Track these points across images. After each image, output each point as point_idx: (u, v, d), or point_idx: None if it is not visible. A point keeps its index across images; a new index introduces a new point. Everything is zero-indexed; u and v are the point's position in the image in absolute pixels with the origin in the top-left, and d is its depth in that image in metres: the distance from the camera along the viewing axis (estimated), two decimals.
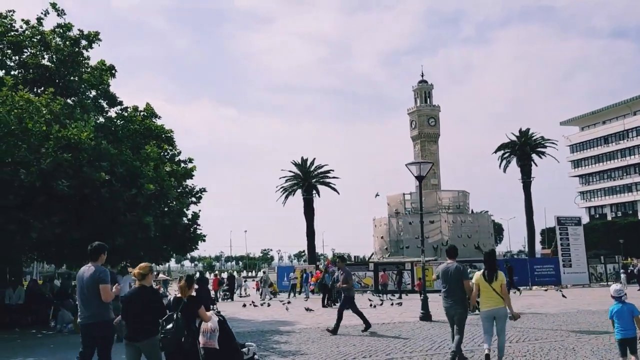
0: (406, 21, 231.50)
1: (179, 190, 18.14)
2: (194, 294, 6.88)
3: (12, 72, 17.12)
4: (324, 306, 23.17)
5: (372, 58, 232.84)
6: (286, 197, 55.37)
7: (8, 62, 17.52)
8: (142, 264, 6.81)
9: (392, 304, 22.55)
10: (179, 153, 19.77)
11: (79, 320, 7.51)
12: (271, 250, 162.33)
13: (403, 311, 19.73)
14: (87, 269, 7.11)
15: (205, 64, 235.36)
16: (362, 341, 12.24)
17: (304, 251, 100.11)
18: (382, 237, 56.37)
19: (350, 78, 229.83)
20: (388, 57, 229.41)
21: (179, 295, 6.82)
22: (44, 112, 14.18)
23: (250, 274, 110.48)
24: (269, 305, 24.72)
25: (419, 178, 15.95)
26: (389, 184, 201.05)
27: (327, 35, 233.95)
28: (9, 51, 17.66)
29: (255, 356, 7.93)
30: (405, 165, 16.06)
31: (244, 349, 7.49)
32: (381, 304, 22.36)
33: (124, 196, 14.45)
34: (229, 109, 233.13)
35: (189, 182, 19.21)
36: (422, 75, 65.04)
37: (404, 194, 57.07)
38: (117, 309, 6.98)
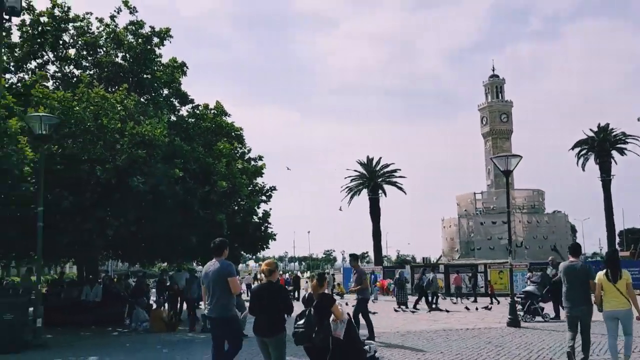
0: (471, 17, 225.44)
1: (249, 188, 17.80)
2: (326, 291, 6.98)
3: (88, 72, 17.31)
4: (430, 309, 21.64)
5: (437, 55, 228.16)
6: (351, 197, 54.59)
7: (84, 63, 17.76)
8: (269, 260, 6.91)
9: (476, 309, 21.08)
10: (249, 150, 19.49)
11: (205, 312, 7.71)
12: (334, 251, 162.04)
13: (484, 316, 18.48)
14: (212, 265, 7.24)
15: (269, 68, 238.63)
16: (450, 348, 11.28)
17: (367, 252, 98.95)
18: (451, 239, 54.57)
19: (414, 77, 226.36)
20: (453, 54, 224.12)
21: (309, 292, 6.95)
22: (119, 108, 14.10)
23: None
24: None
25: (506, 173, 14.77)
26: (457, 184, 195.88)
27: (391, 34, 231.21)
28: (84, 52, 17.92)
29: (376, 354, 7.64)
30: (491, 158, 15.03)
31: (365, 347, 7.18)
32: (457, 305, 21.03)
33: (197, 193, 14.16)
34: (293, 112, 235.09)
35: (258, 180, 18.91)
36: (493, 70, 62.69)
37: (474, 194, 55.04)
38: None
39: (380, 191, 52.64)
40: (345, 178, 54.95)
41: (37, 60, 18.01)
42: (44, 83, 15.80)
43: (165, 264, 24.52)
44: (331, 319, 6.78)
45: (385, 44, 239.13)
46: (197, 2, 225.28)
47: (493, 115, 59.05)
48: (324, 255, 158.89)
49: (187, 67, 18.63)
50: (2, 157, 11.81)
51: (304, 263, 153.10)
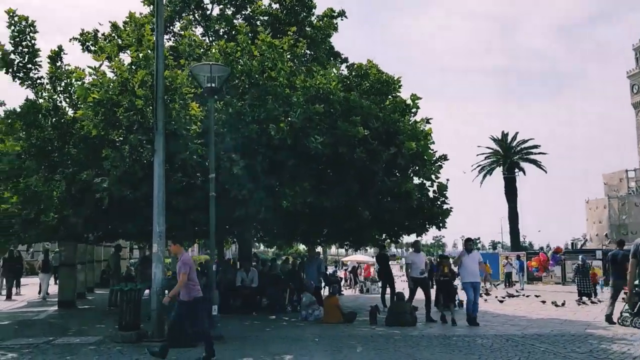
0: None
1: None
2: None
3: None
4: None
5: (544, 29, 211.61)
6: (484, 177, 50.28)
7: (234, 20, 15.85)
8: None
9: None
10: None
11: None
12: (443, 237, 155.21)
13: None
14: None
15: (368, 51, 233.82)
16: None
17: (479, 238, 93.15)
18: (599, 222, 48.51)
19: (520, 53, 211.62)
20: (563, 26, 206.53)
21: None
22: (288, 57, 11.85)
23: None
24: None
25: None
26: (601, 162, 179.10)
27: (493, 11, 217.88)
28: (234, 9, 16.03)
29: None
30: None
31: None
32: None
33: (382, 156, 11.60)
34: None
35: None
36: None
37: (626, 171, 48.47)
38: None
39: (516, 169, 47.88)
40: (478, 155, 50.83)
41: (182, 22, 16.44)
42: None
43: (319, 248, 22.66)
44: None
45: (487, 22, 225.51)
46: None
47: None
48: (432, 241, 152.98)
49: (345, 16, 16.06)
50: (169, 116, 9.98)
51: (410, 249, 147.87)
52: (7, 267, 20.01)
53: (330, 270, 30.41)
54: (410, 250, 15.34)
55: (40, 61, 11.35)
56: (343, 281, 28.21)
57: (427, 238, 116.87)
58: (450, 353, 9.01)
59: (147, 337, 9.94)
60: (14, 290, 19.90)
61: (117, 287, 10.01)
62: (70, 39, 14.49)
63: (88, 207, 10.99)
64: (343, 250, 53.68)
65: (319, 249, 37.16)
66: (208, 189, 10.92)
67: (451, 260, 13.93)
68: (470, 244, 12.60)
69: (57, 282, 18.07)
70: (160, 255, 10.20)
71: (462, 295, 13.79)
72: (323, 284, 17.52)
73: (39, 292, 20.01)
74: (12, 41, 10.94)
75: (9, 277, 19.84)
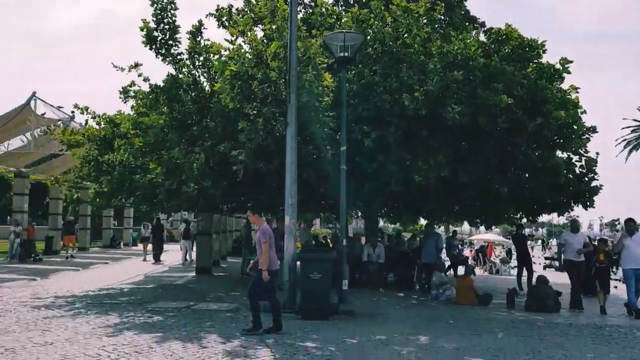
0: None
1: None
2: None
3: None
4: None
5: None
6: (630, 152, 45.57)
7: None
8: None
9: None
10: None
11: None
12: (578, 216, 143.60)
13: None
14: None
15: (504, 17, 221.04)
16: None
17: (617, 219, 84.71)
18: None
19: None
20: None
21: None
22: (424, 22, 11.19)
23: None
24: None
25: None
26: None
27: None
28: None
29: None
30: None
31: None
32: None
33: (527, 127, 10.60)
34: None
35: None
36: None
37: None
38: None
39: None
40: (623, 129, 46.12)
41: None
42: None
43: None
44: None
45: None
46: None
47: None
48: (565, 221, 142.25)
49: None
50: (302, 87, 9.84)
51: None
52: (154, 233, 21.99)
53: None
54: (565, 230, 13.87)
55: (180, 38, 11.78)
56: (470, 260, 27.07)
57: (559, 218, 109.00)
58: (606, 345, 8.06)
59: (281, 308, 10.04)
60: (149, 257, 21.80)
61: (250, 257, 10.23)
62: (207, 15, 14.94)
63: (225, 179, 11.30)
64: (466, 227, 51.82)
65: (440, 228, 35.99)
66: (338, 162, 10.76)
67: (610, 244, 12.46)
68: (631, 225, 10.99)
69: (195, 249, 19.23)
70: (292, 227, 10.23)
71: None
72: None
73: (182, 258, 21.64)
74: (154, 18, 11.41)
75: (157, 243, 21.79)
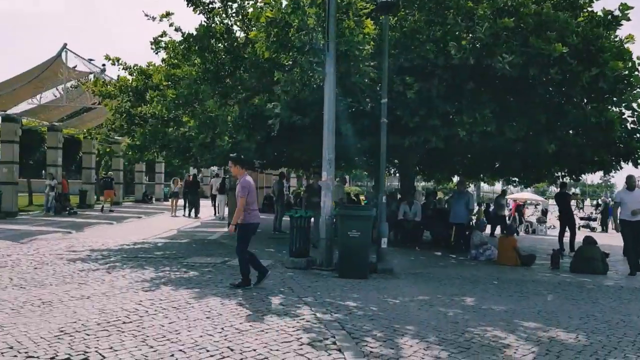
0: None
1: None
2: None
3: None
4: None
5: None
6: None
7: None
8: None
9: None
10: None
11: None
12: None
13: None
14: None
15: None
16: None
17: None
18: None
19: None
20: None
21: None
22: None
23: None
24: None
25: None
26: None
27: None
28: None
29: None
30: None
31: None
32: None
33: (582, 79, 9.87)
34: None
35: None
36: None
37: None
38: None
39: None
40: None
41: None
42: None
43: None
44: None
45: None
46: None
47: None
48: (599, 181, 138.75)
49: None
50: (341, 35, 9.28)
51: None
52: (191, 189, 22.44)
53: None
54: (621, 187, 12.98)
55: None
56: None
57: (594, 177, 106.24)
58: None
59: (316, 265, 9.83)
60: (181, 211, 22.00)
61: (289, 214, 9.95)
62: None
63: (259, 133, 10.95)
64: (498, 186, 50.67)
65: (471, 187, 35.10)
66: (377, 115, 10.28)
67: None
68: None
69: (227, 205, 19.14)
70: (330, 183, 9.88)
71: None
72: (472, 222, 16.03)
73: (217, 213, 22.00)
74: None
75: (194, 199, 22.23)
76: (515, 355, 5.13)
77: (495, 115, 10.29)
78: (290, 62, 10.26)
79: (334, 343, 5.26)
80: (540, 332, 6.04)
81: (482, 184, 39.60)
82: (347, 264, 9.06)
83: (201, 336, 5.36)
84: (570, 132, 12.05)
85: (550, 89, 10.31)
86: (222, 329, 5.65)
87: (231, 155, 8.20)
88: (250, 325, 5.79)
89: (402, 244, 14.37)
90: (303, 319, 6.18)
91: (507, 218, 19.49)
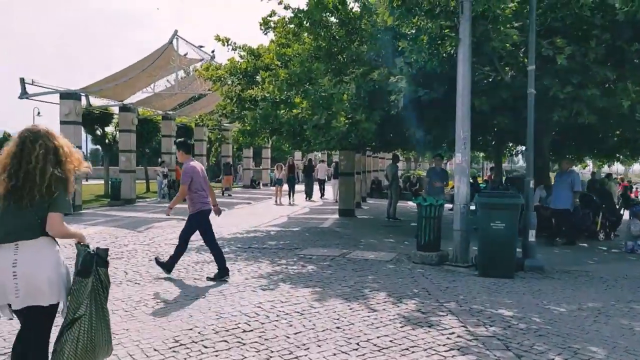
0: None
1: None
2: None
3: None
4: None
5: None
6: None
7: None
8: None
9: None
10: None
11: None
12: None
13: None
14: None
15: None
16: None
17: None
18: None
19: None
20: None
21: None
22: None
23: None
24: None
25: None
26: None
27: None
28: None
29: None
30: None
31: None
32: None
33: None
34: None
35: None
36: None
37: None
38: None
39: None
40: None
41: None
42: None
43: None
44: None
45: None
46: None
47: None
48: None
49: None
50: None
51: None
52: (305, 173, 23.41)
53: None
54: None
55: None
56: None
57: None
58: None
59: (449, 261, 8.61)
60: (286, 199, 21.51)
61: (417, 201, 8.77)
62: None
63: (379, 112, 9.86)
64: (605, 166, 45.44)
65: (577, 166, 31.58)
66: (517, 86, 8.82)
67: None
68: None
69: (337, 190, 18.36)
70: (465, 165, 8.58)
71: None
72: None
73: (332, 196, 22.14)
74: None
75: (309, 181, 23.31)
76: None
77: None
78: (414, 31, 9.02)
79: None
80: None
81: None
82: (489, 260, 7.76)
83: (334, 355, 4.42)
84: None
85: None
86: (358, 344, 4.69)
87: (176, 140, 8.05)
88: (391, 341, 4.77)
89: (538, 233, 12.63)
90: (453, 332, 5.05)
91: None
